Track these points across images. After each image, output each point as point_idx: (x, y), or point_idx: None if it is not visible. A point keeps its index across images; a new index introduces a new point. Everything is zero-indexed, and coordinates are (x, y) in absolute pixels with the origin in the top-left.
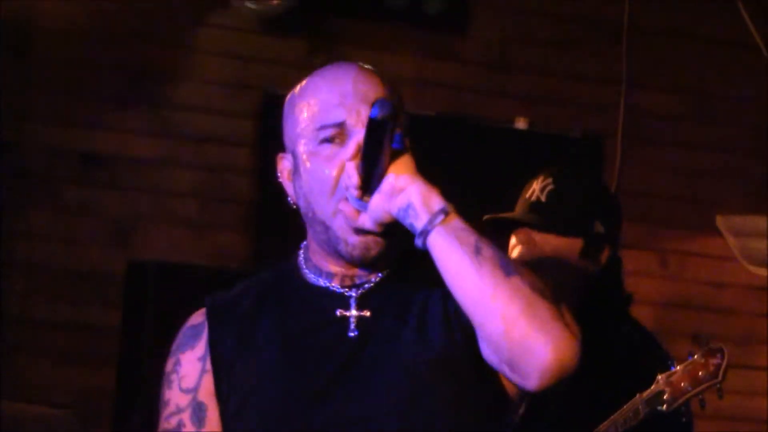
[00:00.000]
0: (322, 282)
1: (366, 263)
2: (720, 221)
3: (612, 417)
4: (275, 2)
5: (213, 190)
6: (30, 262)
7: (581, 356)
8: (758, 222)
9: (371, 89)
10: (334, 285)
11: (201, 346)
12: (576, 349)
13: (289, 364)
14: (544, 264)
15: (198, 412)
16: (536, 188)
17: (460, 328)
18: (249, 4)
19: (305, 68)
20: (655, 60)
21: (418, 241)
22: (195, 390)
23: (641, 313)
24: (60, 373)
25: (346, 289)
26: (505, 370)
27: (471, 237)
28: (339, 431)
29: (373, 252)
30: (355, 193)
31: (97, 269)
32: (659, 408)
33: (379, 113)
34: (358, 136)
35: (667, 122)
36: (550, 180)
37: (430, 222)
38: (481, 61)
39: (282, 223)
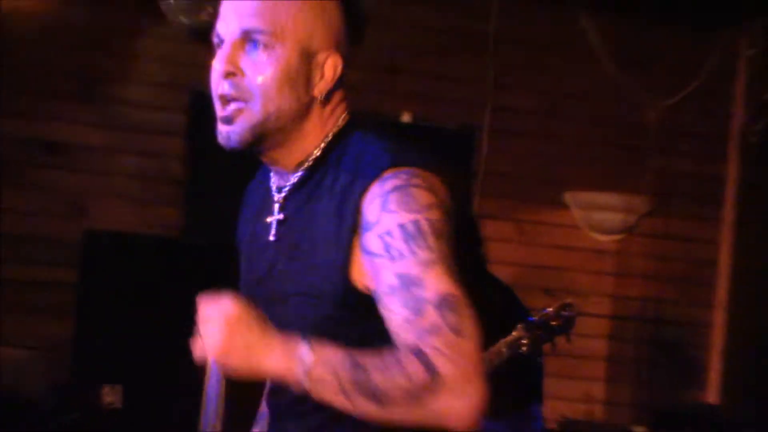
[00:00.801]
0: (269, 183)
1: (235, 151)
2: (568, 197)
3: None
4: (203, 17)
5: (152, 171)
6: (2, 232)
7: (485, 391)
8: (599, 198)
9: (242, 3)
10: (273, 188)
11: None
12: (473, 401)
13: (248, 258)
14: None
15: None
16: None
17: (341, 249)
18: (182, 19)
19: None
20: (516, 66)
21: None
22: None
23: (503, 273)
24: (28, 324)
25: (276, 193)
26: None
27: (334, 382)
28: (270, 305)
29: (232, 142)
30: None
31: (59, 237)
32: (520, 351)
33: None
34: (224, 46)
35: (526, 117)
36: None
37: (299, 387)
38: (375, 65)
39: (208, 199)
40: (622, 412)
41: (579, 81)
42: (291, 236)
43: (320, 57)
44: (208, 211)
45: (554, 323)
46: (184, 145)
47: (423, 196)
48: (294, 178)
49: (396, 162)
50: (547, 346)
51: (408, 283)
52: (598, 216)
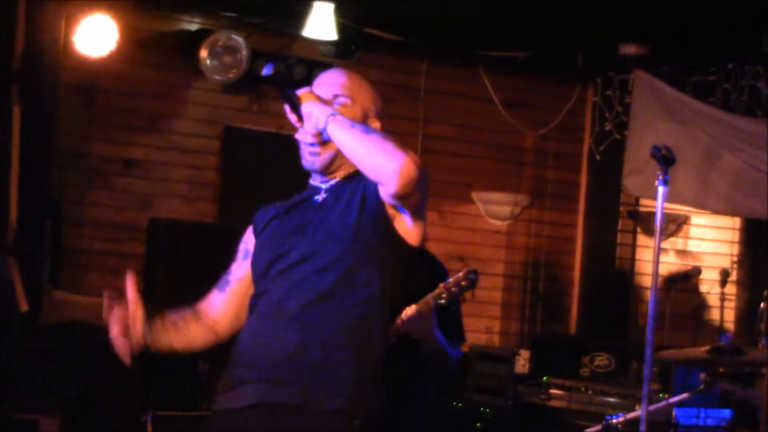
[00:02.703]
0: (310, 182)
1: (317, 172)
2: (474, 195)
3: (417, 304)
4: (230, 76)
5: (196, 179)
6: (97, 219)
7: (421, 170)
8: (494, 196)
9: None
10: (315, 183)
11: (250, 227)
12: (412, 164)
13: (281, 219)
14: None
15: (246, 252)
16: None
17: (369, 207)
18: (216, 77)
19: (248, 111)
20: (438, 107)
21: (325, 135)
22: (245, 242)
23: (432, 247)
24: (109, 280)
25: (321, 185)
26: (381, 190)
27: (347, 122)
28: (300, 255)
29: (318, 163)
30: (297, 124)
31: (134, 222)
32: (440, 301)
33: (265, 71)
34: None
35: (445, 142)
36: None
37: (326, 121)
38: None
39: (234, 197)
40: (511, 340)
41: (480, 117)
42: (332, 203)
43: (377, 121)
44: (234, 206)
45: (463, 283)
46: (218, 161)
47: None
48: (333, 182)
49: None
50: (460, 297)
51: None
52: (494, 208)
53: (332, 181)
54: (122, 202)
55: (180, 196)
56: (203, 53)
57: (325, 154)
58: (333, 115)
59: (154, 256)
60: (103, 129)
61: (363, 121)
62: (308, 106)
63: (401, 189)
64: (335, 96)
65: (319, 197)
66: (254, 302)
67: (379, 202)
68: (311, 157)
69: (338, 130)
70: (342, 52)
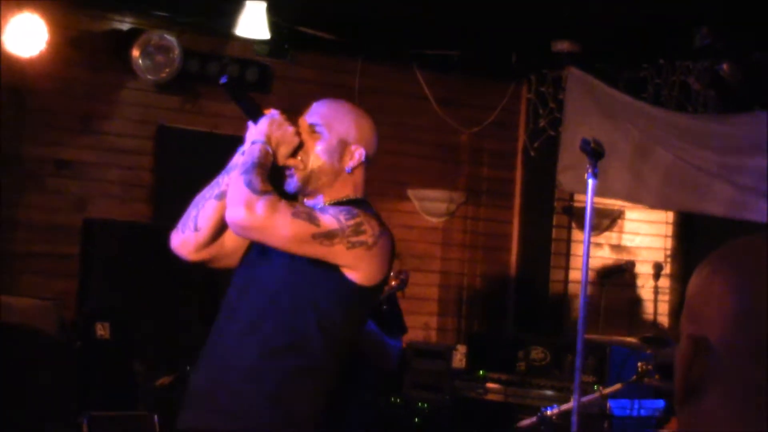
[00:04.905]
0: None
1: (294, 194)
2: (410, 193)
3: None
4: (163, 75)
5: (130, 179)
6: (31, 221)
7: (255, 230)
8: (430, 193)
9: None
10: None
11: None
12: (245, 218)
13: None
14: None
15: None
16: None
17: None
18: (149, 77)
19: (181, 111)
20: (373, 105)
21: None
22: None
23: None
24: (46, 282)
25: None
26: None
27: (250, 155)
28: (257, 283)
29: (291, 185)
30: None
31: (68, 224)
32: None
33: (222, 79)
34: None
35: (382, 141)
36: None
37: (246, 143)
38: (281, 107)
39: (168, 197)
40: (449, 336)
41: (415, 116)
42: None
43: (358, 150)
44: (169, 206)
45: (394, 283)
46: (152, 161)
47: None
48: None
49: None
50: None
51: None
52: (429, 205)
53: (318, 205)
54: (56, 203)
55: (114, 196)
56: (135, 53)
57: (297, 175)
58: (254, 142)
59: (89, 258)
60: (35, 130)
61: (340, 147)
62: (260, 124)
63: (235, 230)
64: (312, 125)
65: None
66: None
67: None
68: (287, 179)
69: (240, 156)
70: (275, 52)
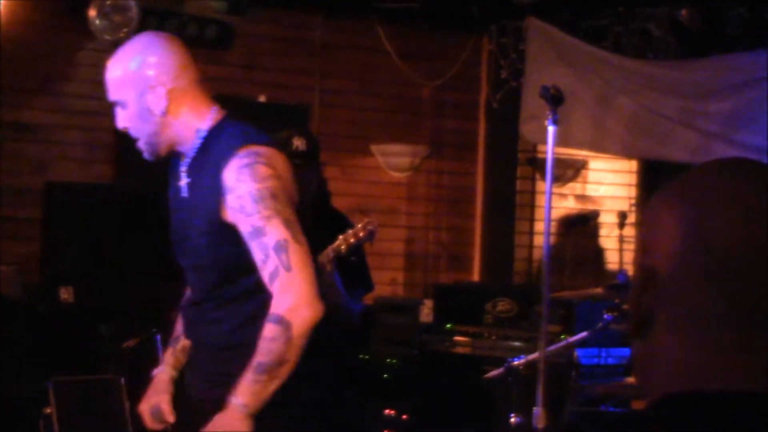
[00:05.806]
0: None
1: (160, 160)
2: (373, 148)
3: (318, 257)
4: (121, 35)
5: (91, 141)
6: None
7: (315, 303)
8: (393, 148)
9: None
10: (181, 165)
11: None
12: (308, 316)
13: (172, 210)
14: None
15: None
16: (297, 143)
17: (214, 201)
18: (106, 37)
19: None
20: (335, 61)
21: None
22: None
23: (334, 201)
24: (6, 247)
25: (183, 167)
26: None
27: (261, 389)
28: (184, 240)
29: (152, 157)
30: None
31: (29, 187)
32: (340, 252)
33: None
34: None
35: (343, 96)
36: (303, 137)
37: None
38: (240, 64)
39: (132, 159)
40: (416, 290)
41: (377, 70)
42: (191, 193)
43: (157, 91)
44: (131, 168)
45: (362, 234)
46: (113, 121)
47: (264, 170)
48: (188, 159)
49: (247, 143)
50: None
51: (257, 232)
52: (393, 160)
53: (189, 154)
54: (16, 166)
55: (76, 159)
56: (92, 13)
57: (144, 149)
58: (243, 408)
59: (51, 221)
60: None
61: (141, 105)
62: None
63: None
64: (113, 102)
65: (182, 183)
66: None
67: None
68: (147, 156)
69: (263, 400)
70: (234, 8)
